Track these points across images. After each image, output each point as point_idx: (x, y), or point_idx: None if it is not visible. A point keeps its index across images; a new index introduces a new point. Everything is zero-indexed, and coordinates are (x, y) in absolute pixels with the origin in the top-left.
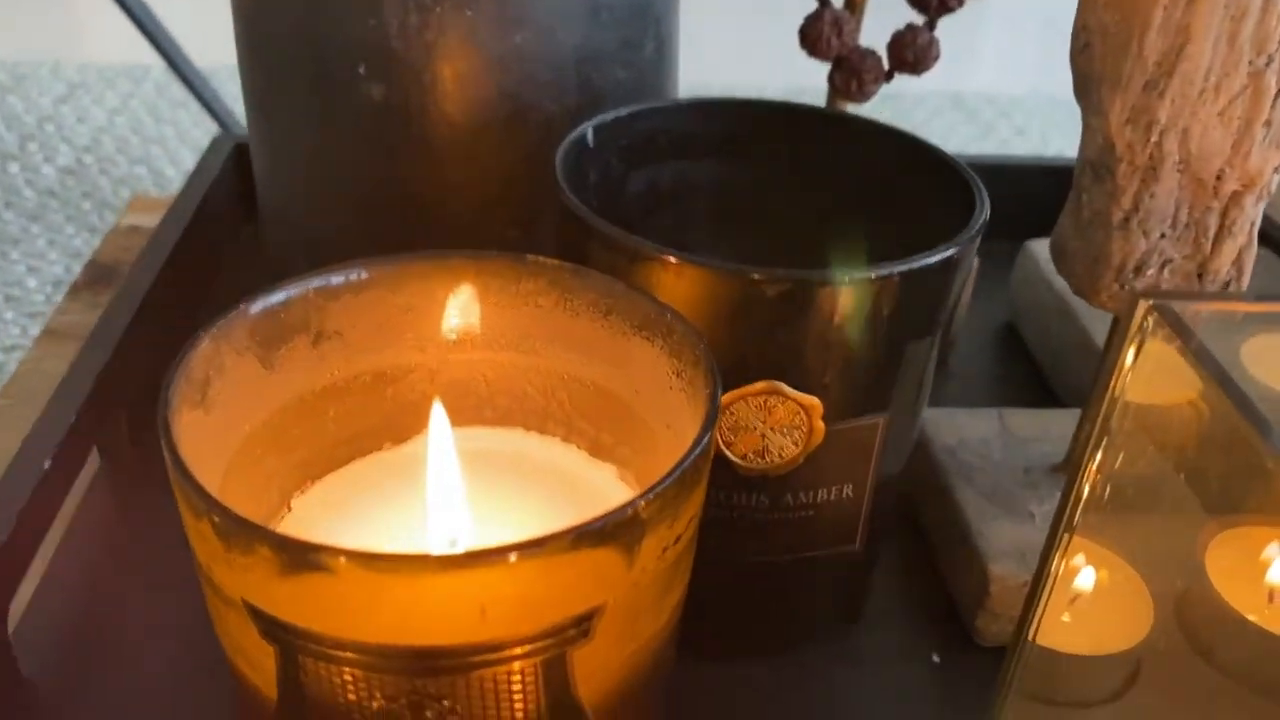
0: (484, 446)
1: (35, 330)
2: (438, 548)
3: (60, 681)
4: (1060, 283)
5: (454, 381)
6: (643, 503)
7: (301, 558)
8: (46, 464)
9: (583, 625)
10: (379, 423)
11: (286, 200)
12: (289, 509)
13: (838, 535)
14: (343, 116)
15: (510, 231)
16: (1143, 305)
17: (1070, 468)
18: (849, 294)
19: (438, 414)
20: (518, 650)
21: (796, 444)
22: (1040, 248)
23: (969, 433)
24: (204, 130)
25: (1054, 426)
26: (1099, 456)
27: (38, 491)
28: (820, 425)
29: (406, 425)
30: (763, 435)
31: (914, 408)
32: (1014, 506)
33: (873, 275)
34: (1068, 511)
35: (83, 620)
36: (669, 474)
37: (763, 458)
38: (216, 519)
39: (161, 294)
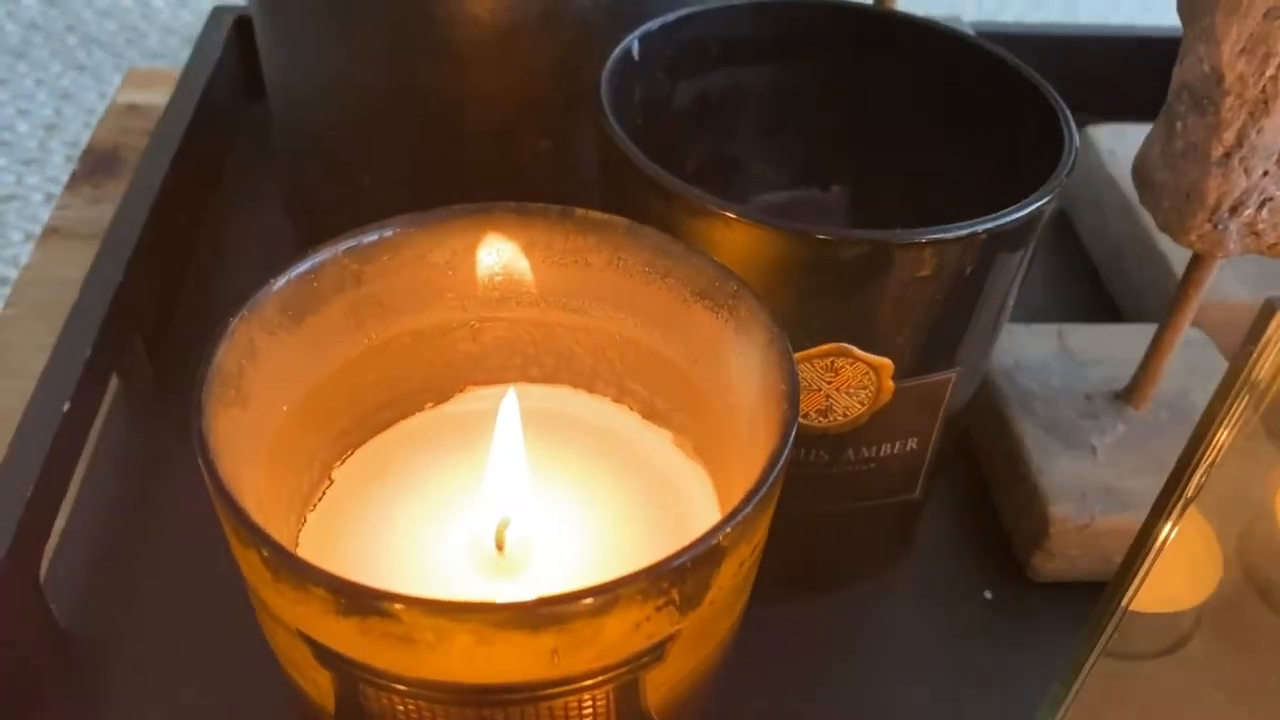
0: (532, 405)
1: (31, 179)
2: (490, 525)
3: (96, 629)
4: (1123, 176)
5: (498, 339)
6: (723, 534)
7: (360, 602)
8: (66, 406)
9: (657, 652)
10: (419, 384)
11: (298, 101)
12: (331, 481)
13: (899, 486)
14: (360, 12)
15: (542, 142)
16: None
17: (1190, 441)
18: (929, 255)
19: (509, 404)
20: (589, 681)
21: (863, 404)
22: (1101, 135)
23: (1027, 354)
24: None
25: (1116, 347)
26: (1224, 434)
27: (59, 437)
28: (889, 385)
29: (449, 384)
30: (827, 396)
31: (986, 355)
32: (1075, 440)
33: (954, 235)
34: (1183, 485)
35: (111, 561)
36: (749, 498)
37: (826, 416)
38: (266, 553)
39: (168, 197)
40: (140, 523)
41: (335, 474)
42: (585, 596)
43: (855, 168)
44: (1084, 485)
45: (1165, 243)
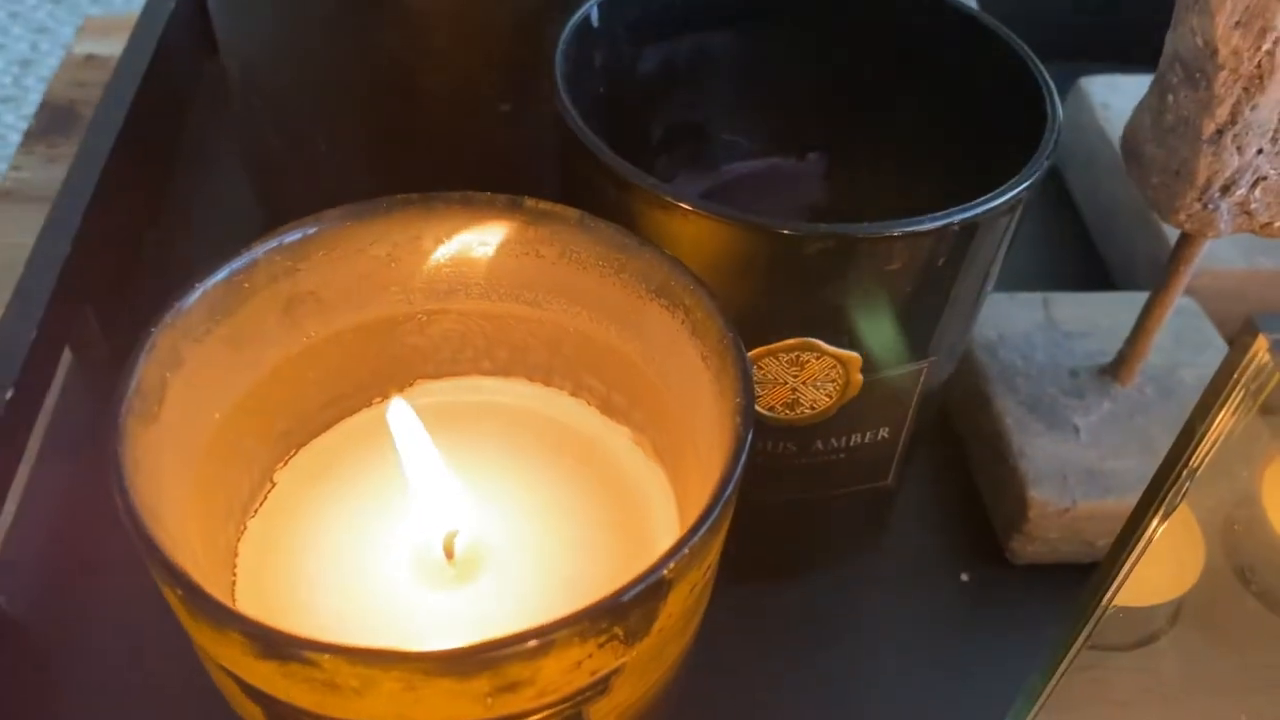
0: (486, 399)
1: (7, 118)
2: (437, 538)
3: (44, 616)
4: (1116, 132)
5: (447, 333)
6: (668, 567)
7: (279, 650)
8: (9, 394)
9: (600, 686)
10: (365, 378)
11: (250, 65)
12: (273, 484)
13: (870, 474)
14: None
15: (502, 105)
16: (1263, 342)
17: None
18: (900, 248)
19: (398, 412)
20: (530, 719)
21: (830, 396)
22: (1096, 86)
23: (1011, 326)
24: None
25: (1105, 317)
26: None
27: (2, 424)
28: (858, 378)
29: (396, 379)
30: (793, 389)
31: (962, 342)
32: (1057, 419)
33: (926, 228)
34: (1168, 492)
35: (61, 549)
36: (696, 527)
37: (792, 410)
38: (180, 593)
39: (122, 159)
40: (93, 507)
41: (277, 476)
42: (519, 641)
43: (830, 135)
44: (1065, 468)
45: None
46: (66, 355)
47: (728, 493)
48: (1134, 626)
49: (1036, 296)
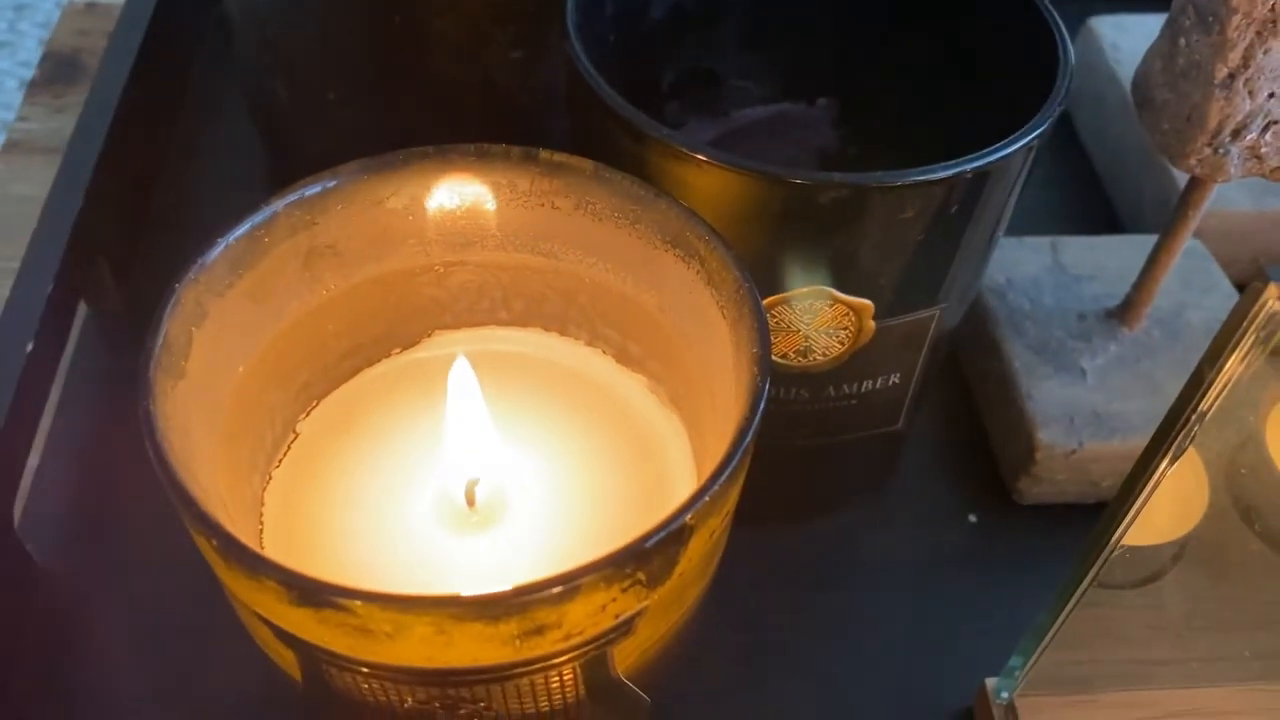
0: (502, 348)
1: (2, 64)
2: (459, 485)
3: (72, 565)
4: (1126, 75)
5: (464, 284)
6: (690, 514)
7: (313, 596)
8: (29, 346)
9: (625, 628)
10: (383, 331)
11: (257, 11)
12: (296, 435)
13: (881, 419)
14: None
15: (513, 52)
16: (1272, 292)
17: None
18: (911, 196)
19: (461, 369)
20: (556, 660)
21: (843, 343)
22: (1105, 27)
23: (1019, 271)
24: None
25: (1112, 261)
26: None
27: (24, 378)
28: (870, 325)
29: (415, 330)
30: (806, 337)
31: (972, 289)
32: (1064, 362)
33: (938, 176)
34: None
35: (86, 498)
36: (716, 475)
37: (805, 357)
38: (216, 544)
39: (130, 110)
40: (115, 455)
41: (300, 427)
42: (548, 586)
43: (840, 80)
44: (1072, 410)
45: None
46: (81, 308)
47: (746, 441)
48: (1139, 565)
49: (1045, 240)
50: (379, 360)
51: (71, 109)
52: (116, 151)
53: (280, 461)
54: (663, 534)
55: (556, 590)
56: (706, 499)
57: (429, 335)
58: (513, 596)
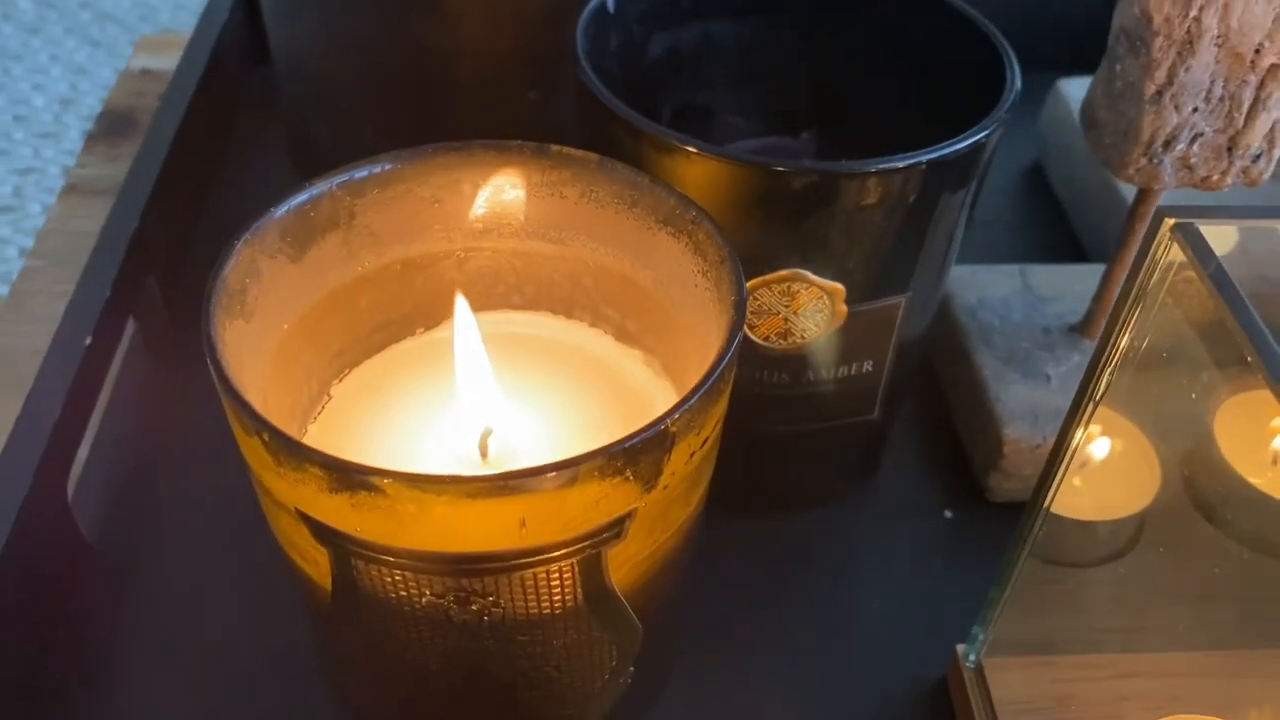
0: (514, 330)
1: (48, 151)
2: (474, 433)
3: (118, 542)
4: None
5: (481, 269)
6: (671, 420)
7: (350, 478)
8: (88, 340)
9: (616, 529)
10: (410, 310)
11: (302, 59)
12: (329, 397)
13: (857, 407)
14: None
15: (530, 92)
16: (1167, 225)
17: (1097, 346)
18: (874, 184)
19: (461, 306)
20: (555, 554)
21: (819, 326)
22: (1072, 87)
23: (990, 292)
24: None
25: (1075, 284)
26: (1126, 339)
27: (83, 366)
28: (842, 309)
29: (437, 311)
30: (785, 319)
31: (937, 282)
32: (1030, 369)
33: (899, 165)
34: (1092, 385)
35: (133, 483)
36: (696, 389)
37: (785, 339)
38: (267, 438)
39: (181, 151)
40: (157, 450)
41: (333, 390)
42: (548, 470)
43: (822, 115)
44: (1037, 409)
45: (1127, 188)
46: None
47: (723, 364)
48: (1096, 542)
49: (1015, 268)
50: (405, 337)
51: (125, 158)
52: (169, 184)
53: (315, 418)
54: (648, 434)
55: (554, 475)
56: (686, 409)
57: (449, 316)
58: (519, 476)
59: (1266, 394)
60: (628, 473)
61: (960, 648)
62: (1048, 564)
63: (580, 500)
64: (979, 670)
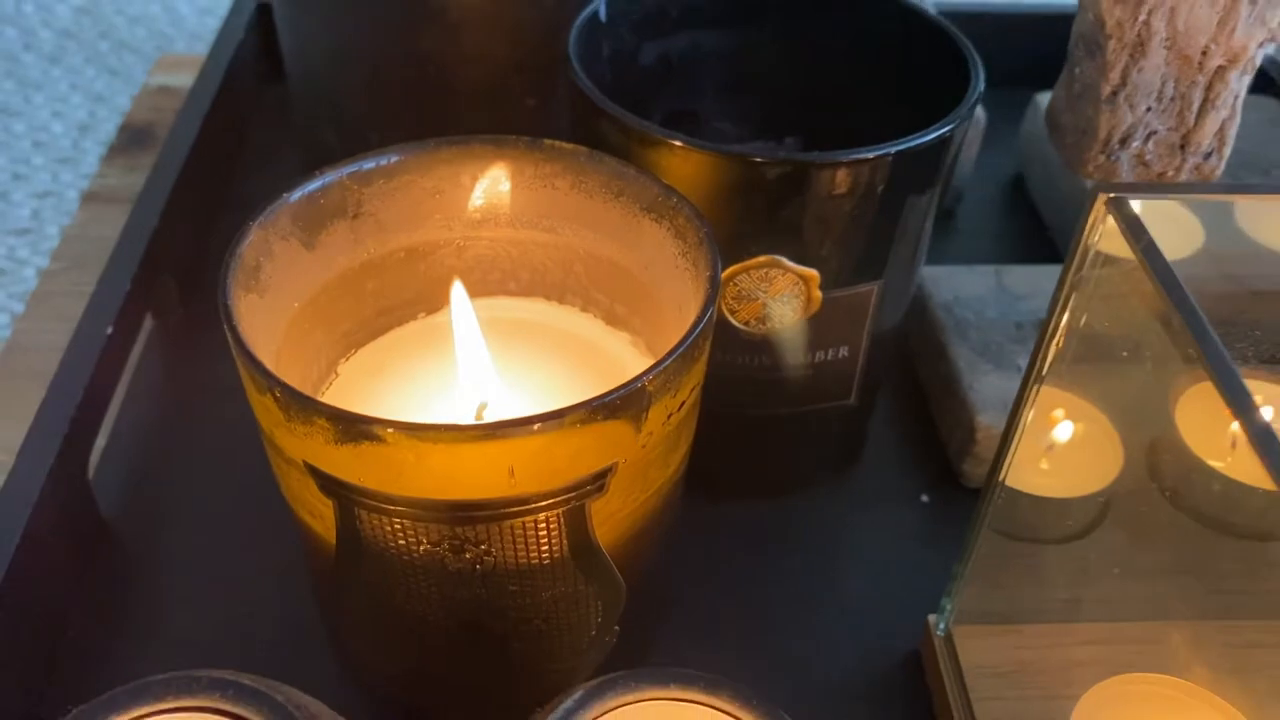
0: (509, 315)
1: (66, 175)
2: (471, 409)
3: (134, 519)
4: None
5: (479, 257)
6: (648, 379)
7: (355, 428)
8: (109, 330)
9: (598, 482)
10: (412, 295)
11: (311, 68)
12: (336, 374)
13: (834, 392)
14: None
15: (528, 100)
16: (1101, 198)
17: (1042, 323)
18: (844, 174)
19: (458, 291)
20: (542, 503)
21: (796, 311)
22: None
23: (966, 290)
24: None
25: (1046, 282)
26: (1067, 315)
27: (103, 356)
28: (818, 294)
29: (437, 297)
30: (764, 304)
31: (909, 272)
32: (1003, 360)
33: (867, 156)
34: (1037, 364)
35: (149, 466)
36: (671, 352)
37: (764, 324)
38: (278, 394)
39: (198, 159)
40: (172, 438)
41: (340, 368)
42: (535, 421)
43: (806, 121)
44: (1009, 399)
45: None
46: (148, 321)
47: (698, 330)
48: (1061, 518)
49: (990, 268)
50: (408, 321)
51: (144, 169)
52: (186, 190)
53: (323, 394)
54: (627, 390)
55: (540, 425)
56: (662, 369)
57: (448, 304)
58: (509, 425)
59: None
60: (609, 426)
61: (931, 618)
62: (1017, 540)
63: (564, 450)
64: (949, 638)
